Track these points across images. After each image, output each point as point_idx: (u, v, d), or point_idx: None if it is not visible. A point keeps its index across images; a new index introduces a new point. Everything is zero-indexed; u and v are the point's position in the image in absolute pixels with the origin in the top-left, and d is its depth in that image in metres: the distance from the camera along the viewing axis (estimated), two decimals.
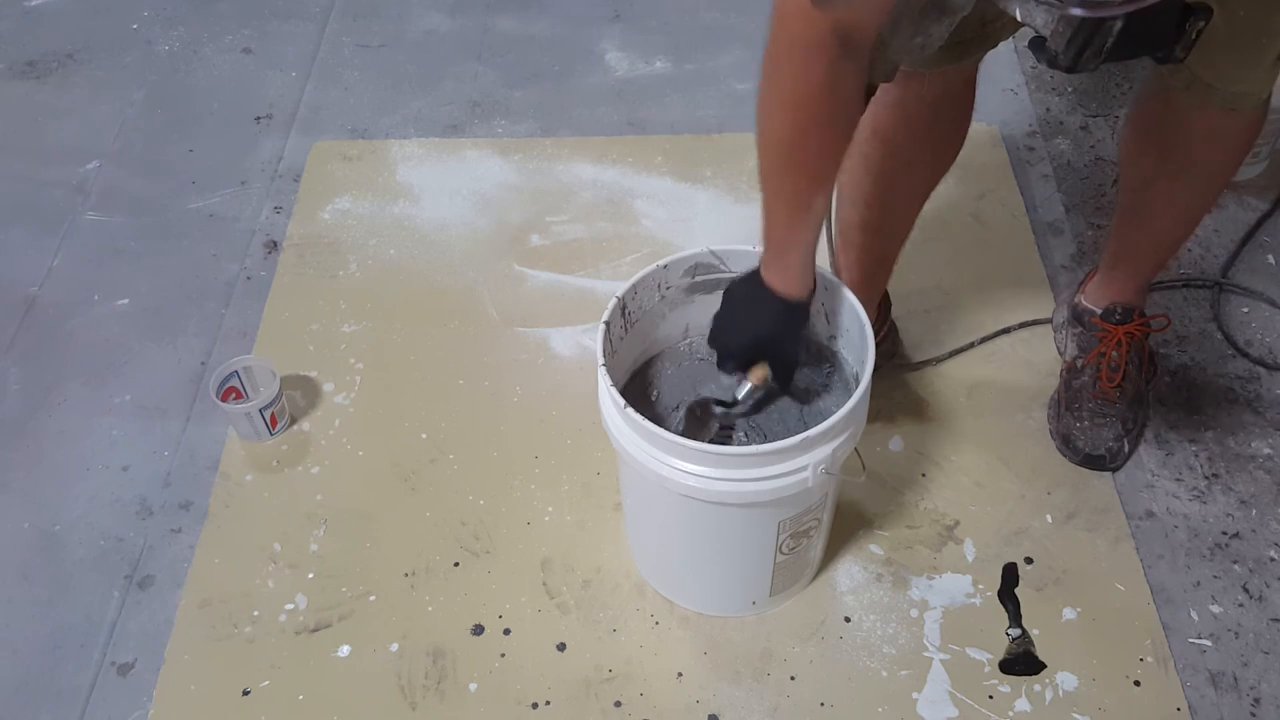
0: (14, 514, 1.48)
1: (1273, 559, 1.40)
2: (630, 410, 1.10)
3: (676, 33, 2.23)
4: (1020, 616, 1.34)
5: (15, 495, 1.51)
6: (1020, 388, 1.58)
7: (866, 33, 0.93)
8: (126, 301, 1.75)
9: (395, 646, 1.33)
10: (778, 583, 1.30)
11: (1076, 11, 0.80)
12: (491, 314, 1.71)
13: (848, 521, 1.42)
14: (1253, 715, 1.27)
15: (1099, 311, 1.53)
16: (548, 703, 1.28)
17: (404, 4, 2.31)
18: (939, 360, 1.61)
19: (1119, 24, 0.81)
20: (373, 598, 1.38)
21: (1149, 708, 1.27)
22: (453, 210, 1.87)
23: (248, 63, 2.19)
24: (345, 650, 1.33)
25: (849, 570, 1.39)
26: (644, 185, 1.91)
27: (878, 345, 1.19)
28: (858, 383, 1.14)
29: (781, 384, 1.24)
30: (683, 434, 1.21)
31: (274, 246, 1.82)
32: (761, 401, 1.26)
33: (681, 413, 1.26)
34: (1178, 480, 1.47)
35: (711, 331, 1.22)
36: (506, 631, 1.34)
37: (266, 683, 1.31)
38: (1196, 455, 1.50)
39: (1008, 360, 1.62)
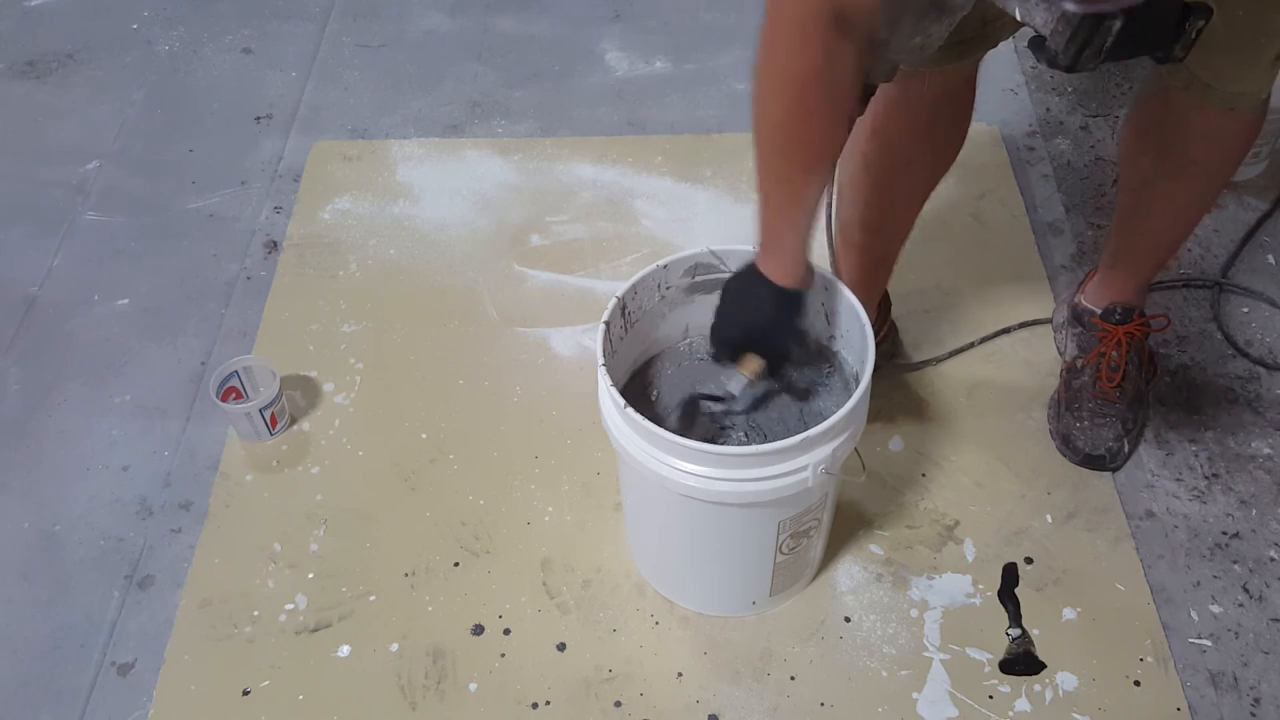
0: (14, 514, 1.48)
1: (1273, 559, 1.40)
2: (630, 410, 1.10)
3: (676, 33, 2.23)
4: (1020, 616, 1.34)
5: (15, 495, 1.51)
6: (1020, 388, 1.58)
7: (862, 13, 0.92)
8: (126, 301, 1.75)
9: (395, 646, 1.33)
10: (778, 583, 1.30)
11: (1071, 7, 0.80)
12: (491, 314, 1.71)
13: (848, 521, 1.42)
14: (1253, 715, 1.27)
15: (1099, 311, 1.53)
16: (548, 703, 1.28)
17: (404, 4, 2.31)
18: (939, 360, 1.61)
19: (1118, 23, 0.81)
20: (373, 598, 1.38)
21: (1149, 708, 1.27)
22: (453, 210, 1.87)
23: (248, 63, 2.19)
24: (345, 650, 1.33)
25: (849, 570, 1.39)
26: (644, 185, 1.91)
27: (878, 345, 1.18)
28: (858, 383, 1.14)
29: (774, 374, 1.23)
30: (677, 431, 1.21)
31: (274, 246, 1.82)
32: (759, 399, 1.26)
33: (676, 409, 1.26)
34: (1178, 480, 1.47)
35: (711, 325, 1.22)
36: (506, 631, 1.34)
37: (266, 683, 1.31)
38: (1196, 455, 1.50)
39: (1008, 360, 1.62)
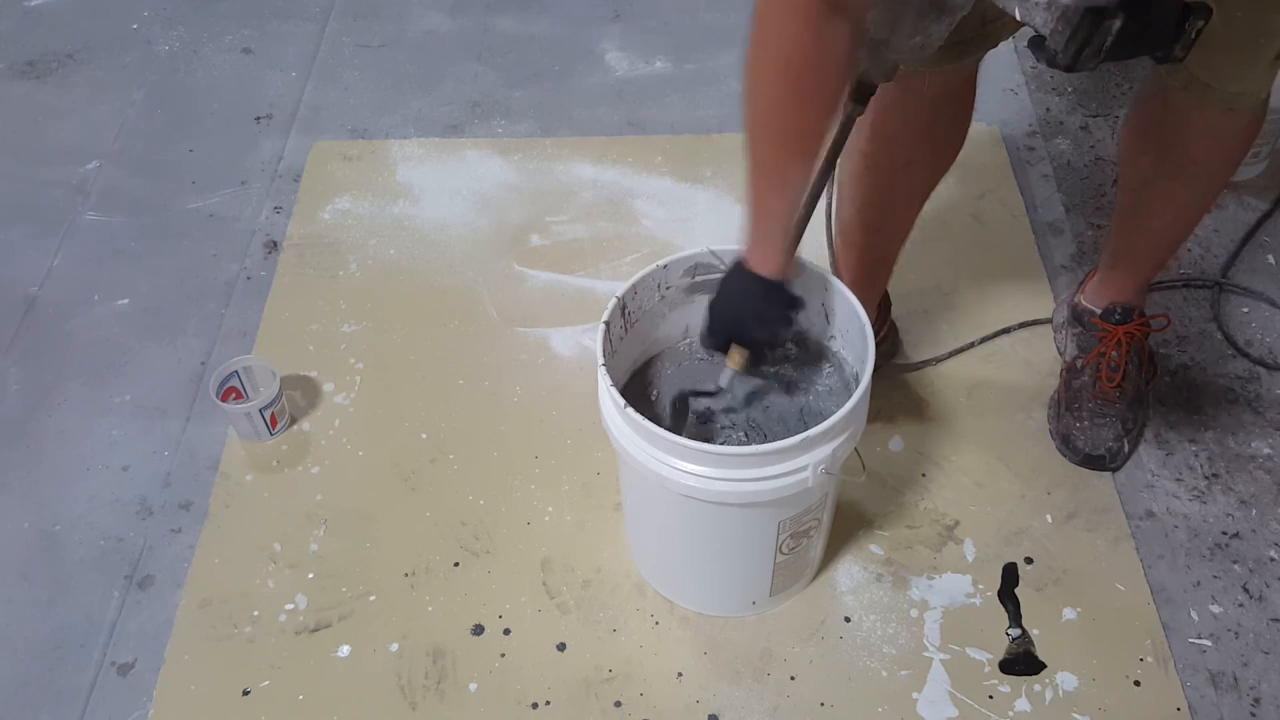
0: (14, 514, 1.48)
1: (1273, 559, 1.40)
2: (630, 410, 1.10)
3: (676, 33, 2.23)
4: (1020, 616, 1.34)
5: (15, 495, 1.51)
6: (1020, 388, 1.58)
7: None
8: (126, 301, 1.75)
9: (395, 646, 1.33)
10: (778, 583, 1.30)
11: (1069, 0, 0.80)
12: (491, 314, 1.71)
13: (848, 521, 1.42)
14: (1253, 715, 1.27)
15: (1099, 311, 1.53)
16: (548, 703, 1.28)
17: (404, 4, 2.31)
18: (939, 360, 1.61)
19: (1118, 23, 0.81)
20: (373, 598, 1.38)
21: (1149, 708, 1.27)
22: (453, 210, 1.87)
23: (248, 63, 2.19)
24: (345, 650, 1.33)
25: (849, 570, 1.39)
26: (644, 185, 1.91)
27: (878, 345, 1.18)
28: (858, 383, 1.14)
29: (759, 364, 1.22)
30: (669, 427, 1.21)
31: (274, 246, 1.82)
32: (753, 395, 1.26)
33: (669, 408, 1.26)
34: (1178, 480, 1.47)
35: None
36: (506, 631, 1.34)
37: (266, 683, 1.31)
38: (1196, 455, 1.50)
39: (1008, 360, 1.62)
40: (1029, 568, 1.39)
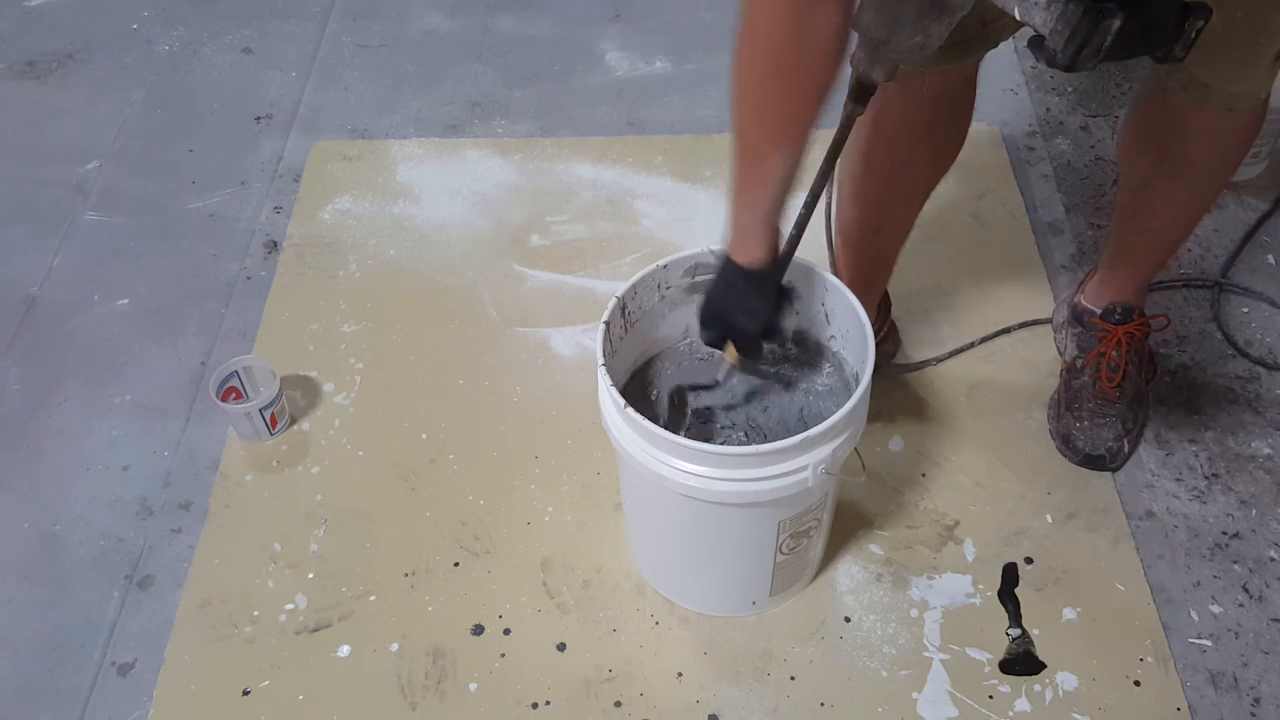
0: (14, 514, 1.48)
1: (1273, 559, 1.40)
2: (630, 410, 1.10)
3: (676, 33, 2.23)
4: (1020, 616, 1.34)
5: (15, 495, 1.51)
6: (1020, 388, 1.58)
7: None
8: (126, 301, 1.75)
9: (395, 646, 1.33)
10: (778, 583, 1.30)
11: None
12: (491, 314, 1.71)
13: (848, 521, 1.42)
14: (1253, 715, 1.27)
15: (1099, 311, 1.53)
16: (548, 703, 1.28)
17: (404, 4, 2.31)
18: (939, 360, 1.61)
19: (1117, 22, 0.81)
20: (373, 598, 1.38)
21: (1149, 708, 1.27)
22: (453, 210, 1.87)
23: (248, 63, 2.19)
24: (345, 650, 1.33)
25: (849, 570, 1.39)
26: (644, 185, 1.91)
27: (878, 345, 1.18)
28: (858, 383, 1.14)
29: (748, 357, 1.21)
30: (667, 423, 1.21)
31: (274, 246, 1.82)
32: (751, 393, 1.26)
33: (666, 402, 1.26)
34: (1178, 480, 1.47)
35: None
36: (506, 631, 1.34)
37: (266, 683, 1.31)
38: (1196, 455, 1.50)
39: (1008, 360, 1.62)
40: (1029, 568, 1.39)
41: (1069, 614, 1.34)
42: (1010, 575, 1.38)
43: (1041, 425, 1.54)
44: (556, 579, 1.39)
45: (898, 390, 1.58)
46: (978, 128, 1.50)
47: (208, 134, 2.04)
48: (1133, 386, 1.50)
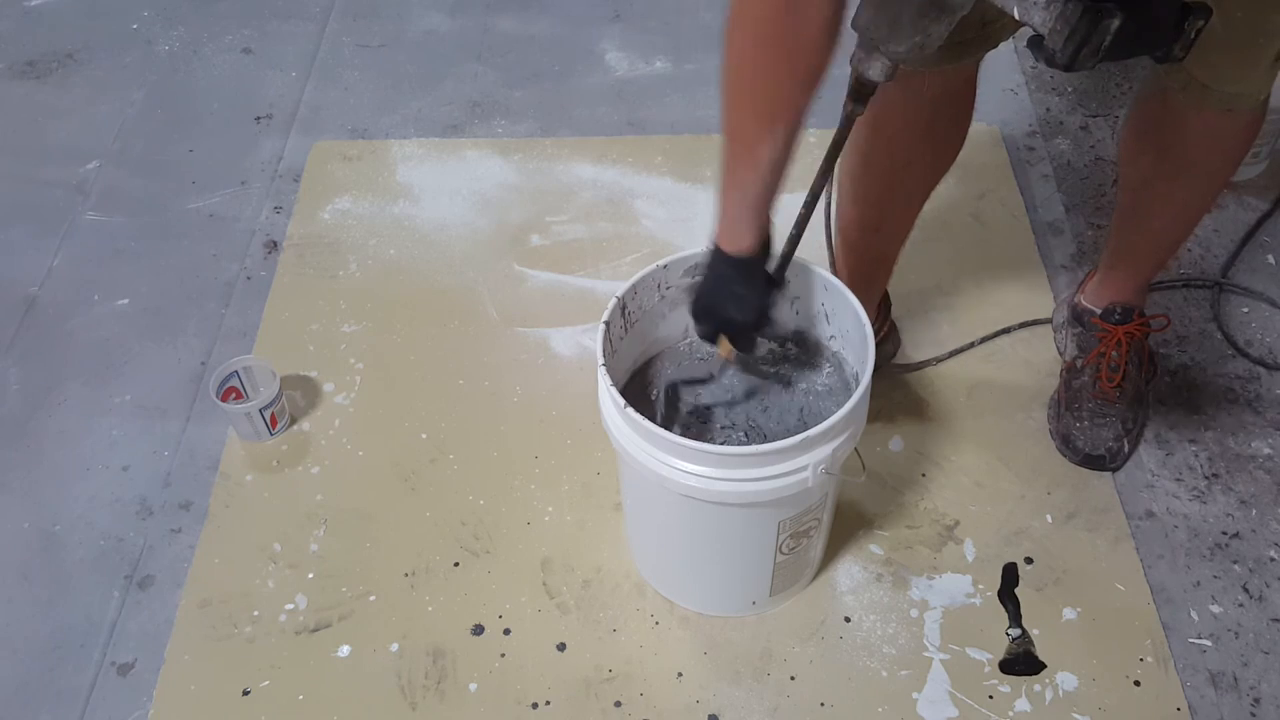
0: (14, 514, 1.48)
1: (1273, 559, 1.40)
2: (630, 410, 1.10)
3: (676, 33, 2.23)
4: (1020, 616, 1.34)
5: (15, 495, 1.51)
6: (1020, 388, 1.58)
7: None
8: (126, 301, 1.75)
9: (395, 646, 1.33)
10: (778, 583, 1.30)
11: None
12: (491, 314, 1.71)
13: (848, 521, 1.42)
14: (1253, 715, 1.27)
15: (1099, 311, 1.53)
16: (548, 703, 1.28)
17: (404, 4, 2.31)
18: (939, 360, 1.61)
19: (1116, 22, 0.81)
20: (373, 598, 1.38)
21: (1149, 708, 1.27)
22: (453, 210, 1.87)
23: (248, 63, 2.19)
24: (345, 650, 1.33)
25: (849, 570, 1.39)
26: (644, 185, 1.91)
27: (878, 345, 1.18)
28: (858, 383, 1.14)
29: (740, 350, 1.21)
30: (663, 418, 1.21)
31: (274, 246, 1.82)
32: (750, 389, 1.26)
33: (661, 397, 1.27)
34: (1178, 480, 1.47)
35: None
36: (506, 631, 1.34)
37: (266, 683, 1.31)
38: (1196, 455, 1.50)
39: (1008, 360, 1.62)
40: (1029, 568, 1.39)
41: (1069, 614, 1.34)
42: (1010, 575, 1.38)
43: (1041, 425, 1.54)
44: (556, 579, 1.39)
45: (898, 390, 1.58)
46: (978, 128, 1.50)
47: (208, 134, 2.04)
48: (1133, 386, 1.50)
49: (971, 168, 1.85)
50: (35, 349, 1.68)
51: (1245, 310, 1.68)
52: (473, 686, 1.30)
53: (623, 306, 1.23)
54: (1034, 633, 1.33)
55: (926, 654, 1.31)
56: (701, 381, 1.24)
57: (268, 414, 1.51)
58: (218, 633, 1.35)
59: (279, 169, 1.96)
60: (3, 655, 1.35)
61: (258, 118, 2.06)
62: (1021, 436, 1.52)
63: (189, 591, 1.39)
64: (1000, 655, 1.31)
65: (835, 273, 1.51)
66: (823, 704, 1.27)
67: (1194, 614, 1.34)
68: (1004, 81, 2.06)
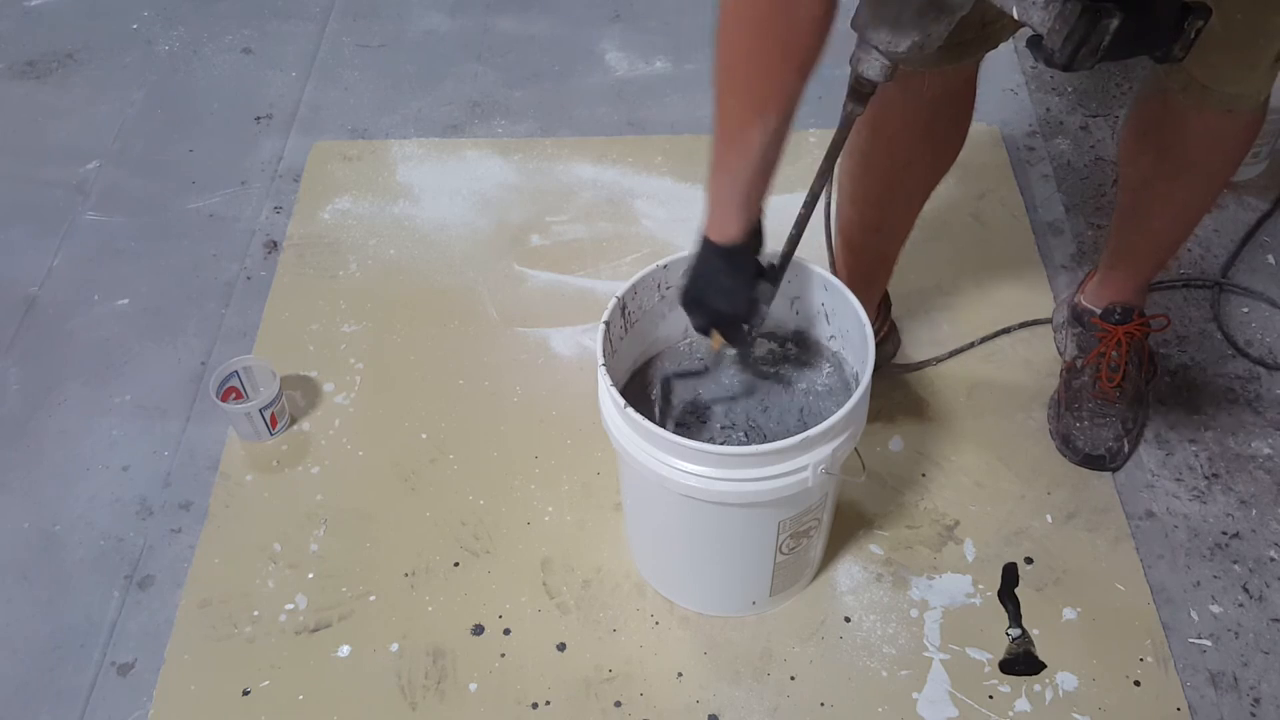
0: (14, 514, 1.48)
1: (1273, 559, 1.40)
2: (630, 410, 1.10)
3: (676, 33, 2.23)
4: (1020, 616, 1.34)
5: (15, 495, 1.51)
6: (1020, 388, 1.58)
7: None
8: (126, 301, 1.75)
9: (395, 646, 1.33)
10: (778, 583, 1.30)
11: None
12: (491, 314, 1.71)
13: (848, 521, 1.42)
14: (1253, 715, 1.26)
15: (1099, 311, 1.53)
16: (548, 703, 1.28)
17: (404, 4, 2.31)
18: (939, 360, 1.61)
19: (1115, 22, 0.81)
20: (373, 598, 1.38)
21: (1149, 708, 1.27)
22: (453, 210, 1.87)
23: (248, 63, 2.19)
24: (345, 650, 1.33)
25: (849, 570, 1.39)
26: (644, 185, 1.91)
27: (878, 345, 1.18)
28: (858, 383, 1.14)
29: (730, 342, 1.19)
30: (661, 412, 1.20)
31: (274, 246, 1.82)
32: (747, 385, 1.26)
33: (658, 391, 1.27)
34: (1178, 480, 1.47)
35: None
36: (506, 631, 1.34)
37: (266, 683, 1.31)
38: (1196, 455, 1.50)
39: (1008, 360, 1.62)
40: (1029, 568, 1.39)
41: (1069, 614, 1.34)
42: (1010, 575, 1.38)
43: (1041, 425, 1.54)
44: (556, 579, 1.39)
45: (898, 390, 1.58)
46: (978, 128, 1.50)
47: (208, 134, 2.04)
48: (1133, 386, 1.50)
49: (971, 168, 1.85)
50: (35, 349, 1.68)
51: (1245, 310, 1.68)
52: (473, 686, 1.30)
53: (623, 306, 1.23)
54: (1034, 633, 1.33)
55: (926, 654, 1.31)
56: (696, 374, 1.24)
57: (268, 414, 1.51)
58: (218, 633, 1.35)
59: (279, 169, 1.96)
60: (3, 655, 1.35)
61: (258, 118, 2.06)
62: (1021, 436, 1.52)
63: (189, 591, 1.39)
64: (1000, 655, 1.31)
65: (835, 273, 1.51)
66: (823, 704, 1.27)
67: (1194, 614, 1.34)
68: (1004, 81, 2.06)
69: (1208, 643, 1.32)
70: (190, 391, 1.61)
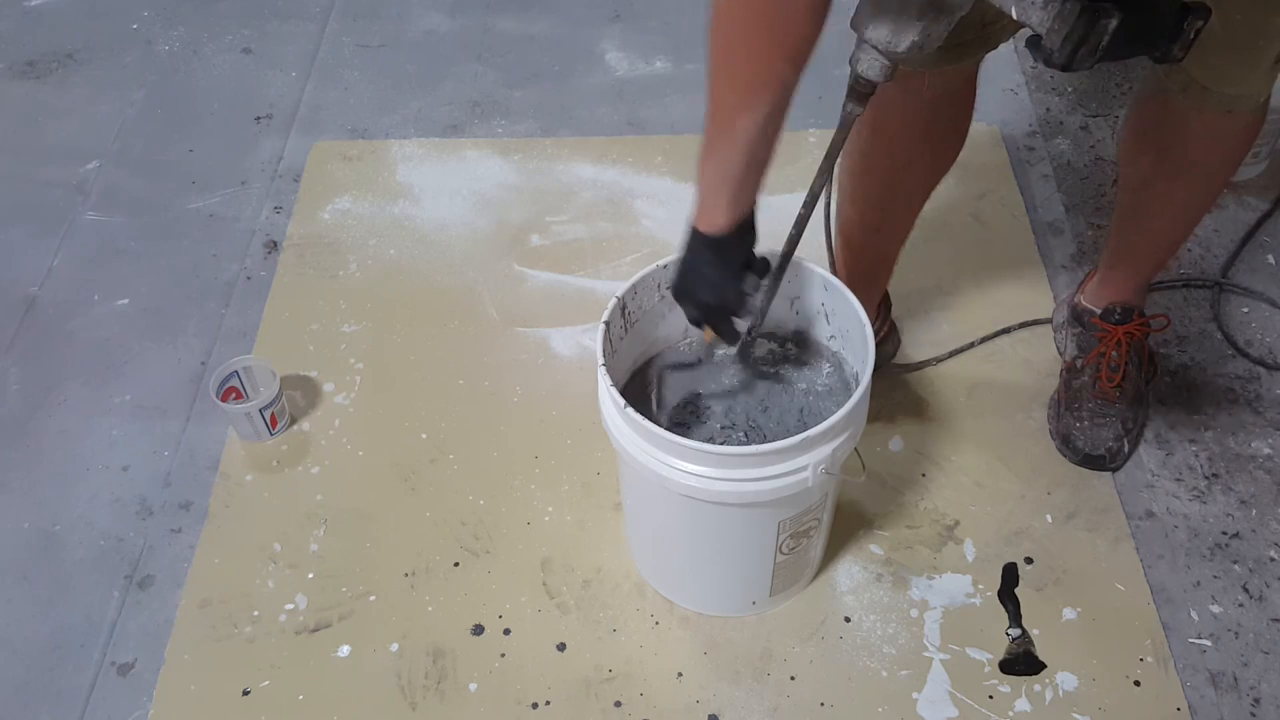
0: (14, 514, 1.48)
1: (1273, 559, 1.40)
2: (630, 410, 1.10)
3: (676, 33, 2.23)
4: (1020, 616, 1.34)
5: (15, 495, 1.51)
6: (1020, 388, 1.58)
7: None
8: (126, 301, 1.75)
9: (395, 646, 1.33)
10: (778, 583, 1.30)
11: None
12: (491, 314, 1.71)
13: (848, 521, 1.42)
14: (1253, 715, 1.26)
15: (1099, 311, 1.53)
16: (548, 703, 1.28)
17: (404, 4, 2.31)
18: (939, 360, 1.61)
19: (1114, 22, 0.81)
20: (373, 598, 1.38)
21: (1149, 708, 1.27)
22: (453, 210, 1.87)
23: (248, 63, 2.20)
24: (345, 650, 1.33)
25: (849, 570, 1.39)
26: (644, 185, 1.91)
27: (878, 345, 1.18)
28: (858, 383, 1.14)
29: (720, 336, 1.18)
30: (659, 407, 1.20)
31: (274, 246, 1.82)
32: (741, 385, 1.26)
33: (655, 384, 1.27)
34: (1178, 480, 1.47)
35: None
36: (506, 631, 1.34)
37: (266, 683, 1.31)
38: (1196, 455, 1.50)
39: (1008, 360, 1.62)
40: (1029, 568, 1.39)
41: (1069, 614, 1.34)
42: (1010, 575, 1.38)
43: (1041, 425, 1.54)
44: (556, 579, 1.39)
45: (898, 390, 1.58)
46: (978, 128, 1.50)
47: (208, 134, 2.04)
48: (1133, 386, 1.50)
49: (971, 168, 1.85)
50: (35, 349, 1.68)
51: (1245, 310, 1.68)
52: (473, 686, 1.30)
53: (623, 306, 1.23)
54: (1034, 633, 1.33)
55: (926, 654, 1.31)
56: (689, 366, 1.24)
57: (268, 414, 1.51)
58: (218, 633, 1.35)
59: (279, 169, 1.96)
60: (3, 655, 1.35)
61: (258, 118, 2.06)
62: (1021, 436, 1.52)
63: (189, 591, 1.39)
64: (1000, 655, 1.31)
65: (835, 273, 1.51)
66: (823, 704, 1.27)
67: (1194, 614, 1.34)
68: (1004, 81, 2.06)
69: (1208, 643, 1.32)
70: (190, 391, 1.61)
